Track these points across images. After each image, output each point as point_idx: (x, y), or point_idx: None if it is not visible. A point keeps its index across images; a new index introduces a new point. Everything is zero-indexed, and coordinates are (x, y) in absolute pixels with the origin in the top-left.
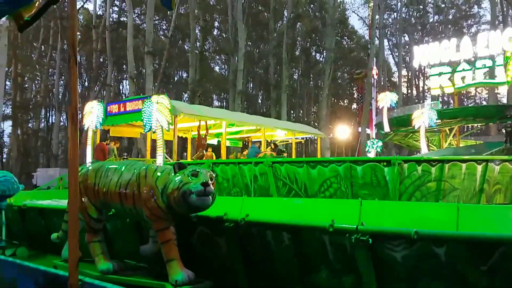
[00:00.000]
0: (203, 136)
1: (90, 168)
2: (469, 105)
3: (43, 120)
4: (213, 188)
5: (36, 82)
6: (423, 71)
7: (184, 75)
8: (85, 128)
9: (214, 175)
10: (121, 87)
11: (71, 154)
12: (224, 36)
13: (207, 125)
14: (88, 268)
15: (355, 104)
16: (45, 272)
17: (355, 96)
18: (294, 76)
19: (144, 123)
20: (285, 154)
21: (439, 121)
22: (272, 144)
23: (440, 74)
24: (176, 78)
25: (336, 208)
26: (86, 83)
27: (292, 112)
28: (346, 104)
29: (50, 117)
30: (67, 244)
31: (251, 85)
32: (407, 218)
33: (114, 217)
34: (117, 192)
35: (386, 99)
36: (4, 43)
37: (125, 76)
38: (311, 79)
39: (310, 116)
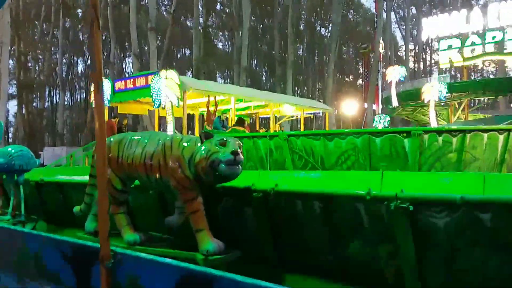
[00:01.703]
0: (212, 112)
1: (112, 140)
2: (478, 79)
3: (47, 99)
4: (242, 157)
5: (39, 61)
6: (430, 45)
7: (187, 52)
8: (93, 105)
9: (241, 144)
10: (123, 65)
11: (98, 123)
12: (227, 11)
13: (216, 101)
14: (112, 240)
15: (360, 79)
16: (73, 244)
17: (361, 71)
18: (299, 52)
19: (153, 99)
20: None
21: (449, 94)
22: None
23: (449, 47)
24: (179, 56)
25: (356, 179)
26: (88, 61)
27: (296, 88)
28: (352, 79)
29: (54, 96)
30: (90, 217)
31: (255, 62)
32: (431, 188)
33: (135, 189)
34: (142, 163)
35: (394, 73)
36: (7, 21)
37: (128, 54)
38: (316, 55)
39: (315, 92)
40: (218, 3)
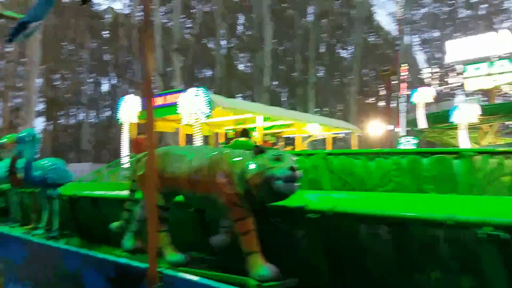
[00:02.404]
0: (238, 131)
1: (156, 152)
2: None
3: (73, 117)
4: (300, 173)
5: (65, 79)
6: (453, 68)
7: (207, 73)
8: (120, 122)
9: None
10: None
11: (149, 133)
12: (247, 33)
13: (244, 120)
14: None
15: (381, 102)
16: (116, 263)
17: (381, 93)
18: (318, 74)
19: (182, 116)
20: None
21: (482, 117)
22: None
23: (475, 69)
24: (199, 76)
25: (404, 202)
26: (112, 81)
27: (317, 109)
28: (373, 101)
29: (80, 114)
30: (128, 234)
31: (275, 83)
32: (498, 213)
33: (174, 206)
34: (188, 178)
35: (422, 95)
36: (38, 39)
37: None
38: (337, 76)
39: (335, 113)
40: (239, 25)
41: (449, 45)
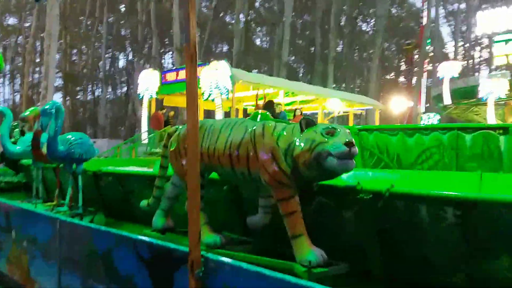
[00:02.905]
0: (261, 106)
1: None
2: None
3: (90, 92)
4: (357, 149)
5: (83, 55)
6: (479, 42)
7: (224, 48)
8: (140, 97)
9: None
10: (162, 61)
11: (190, 103)
12: (266, 6)
13: (264, 94)
14: (181, 239)
15: (402, 77)
16: (152, 245)
17: (402, 68)
18: (337, 48)
19: (203, 91)
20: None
21: (510, 92)
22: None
23: (506, 41)
24: (216, 51)
25: (447, 181)
26: (130, 56)
27: (334, 85)
28: (393, 77)
29: (97, 89)
30: (158, 212)
31: (292, 58)
32: None
33: (207, 184)
34: (226, 153)
35: (447, 70)
36: (56, 13)
37: (167, 49)
38: (356, 50)
39: (354, 89)
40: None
41: (479, 16)
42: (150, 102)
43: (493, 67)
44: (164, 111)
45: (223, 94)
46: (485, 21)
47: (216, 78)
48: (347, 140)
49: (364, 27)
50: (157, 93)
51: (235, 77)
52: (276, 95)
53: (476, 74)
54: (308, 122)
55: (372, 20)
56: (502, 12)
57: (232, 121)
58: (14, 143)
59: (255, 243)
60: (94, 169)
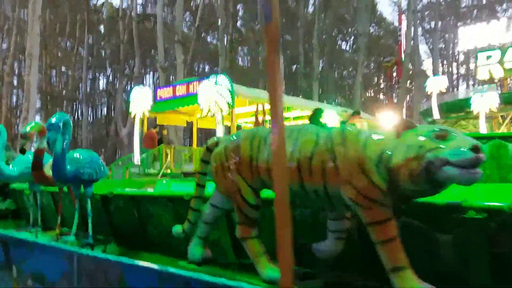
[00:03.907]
0: (261, 122)
1: (241, 135)
2: None
3: (70, 114)
4: (484, 155)
5: (62, 75)
6: (456, 57)
7: (207, 67)
8: (132, 115)
9: None
10: (144, 81)
11: (274, 101)
12: (248, 25)
13: (264, 109)
14: (227, 272)
15: (381, 94)
16: (213, 284)
17: (382, 86)
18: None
19: (201, 106)
20: None
21: (501, 105)
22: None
23: (488, 57)
24: (199, 71)
25: (489, 194)
26: (111, 77)
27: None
28: (372, 94)
29: (77, 111)
30: (195, 240)
31: None
32: None
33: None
34: (294, 166)
35: (435, 85)
36: (37, 32)
37: (148, 70)
38: (340, 68)
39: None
40: (242, 18)
41: (461, 32)
42: (142, 120)
43: (470, 82)
44: (157, 129)
45: (224, 109)
46: (466, 37)
47: (216, 93)
48: (472, 144)
49: (343, 45)
50: (150, 111)
51: (235, 93)
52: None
53: (455, 90)
54: (407, 124)
55: (351, 39)
56: (483, 28)
57: (295, 128)
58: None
59: (329, 276)
60: (103, 192)
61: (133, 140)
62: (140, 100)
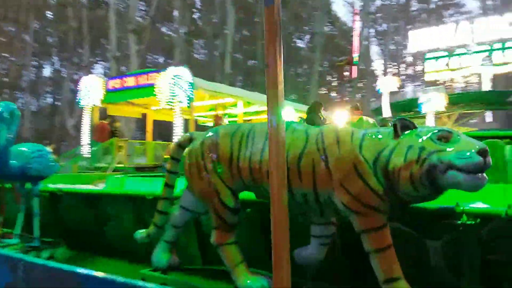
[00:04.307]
0: (221, 116)
1: (220, 131)
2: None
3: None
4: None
5: (4, 62)
6: (405, 59)
7: (160, 59)
8: (82, 106)
9: None
10: (93, 70)
11: (271, 94)
12: (205, 18)
13: (225, 104)
14: (205, 283)
15: (333, 92)
16: None
17: (334, 84)
18: None
19: (159, 99)
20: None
21: (447, 106)
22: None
23: (437, 58)
24: (152, 62)
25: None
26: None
27: None
28: (325, 92)
29: (19, 99)
30: (161, 245)
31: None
32: None
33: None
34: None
35: (386, 84)
36: None
37: (97, 59)
38: (295, 65)
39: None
40: (199, 11)
41: (411, 35)
42: (92, 111)
43: (418, 82)
44: (109, 120)
45: (183, 102)
46: (416, 40)
47: (175, 85)
48: (479, 147)
49: (300, 43)
50: (101, 101)
51: (195, 85)
52: (234, 105)
53: (403, 90)
54: (405, 124)
55: (306, 37)
56: (433, 31)
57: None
58: None
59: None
60: (51, 189)
61: (82, 132)
62: (91, 90)
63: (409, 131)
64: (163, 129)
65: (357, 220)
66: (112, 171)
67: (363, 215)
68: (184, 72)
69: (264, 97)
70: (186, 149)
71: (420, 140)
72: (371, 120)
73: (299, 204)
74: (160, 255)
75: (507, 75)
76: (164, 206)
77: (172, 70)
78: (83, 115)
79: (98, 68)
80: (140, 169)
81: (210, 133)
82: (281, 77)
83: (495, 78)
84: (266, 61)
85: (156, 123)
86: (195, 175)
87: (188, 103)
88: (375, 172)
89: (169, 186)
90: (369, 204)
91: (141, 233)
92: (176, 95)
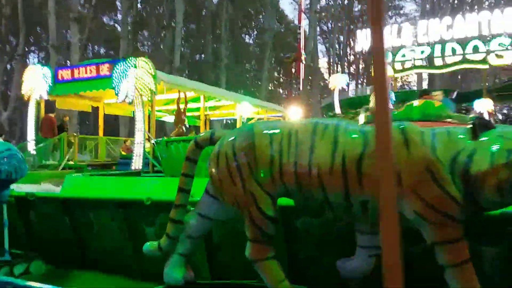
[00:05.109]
0: (183, 110)
1: (255, 130)
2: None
3: None
4: None
5: None
6: (348, 58)
7: (102, 50)
8: (26, 98)
9: None
10: (27, 61)
11: (379, 89)
12: (150, 9)
13: (186, 98)
14: None
15: (280, 89)
16: None
17: (282, 80)
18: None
19: (117, 91)
20: None
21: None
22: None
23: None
24: (93, 53)
25: None
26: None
27: None
28: (272, 88)
29: None
30: (175, 258)
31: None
32: None
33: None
34: (337, 171)
35: (337, 81)
36: None
37: (33, 48)
38: (243, 61)
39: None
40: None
41: (359, 34)
42: (38, 104)
43: (360, 80)
44: (54, 114)
45: (144, 95)
46: (360, 39)
47: (135, 77)
48: None
49: (247, 39)
50: (48, 92)
51: (158, 78)
52: (197, 99)
53: (348, 87)
54: (485, 123)
55: (254, 33)
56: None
57: (323, 123)
58: None
59: None
60: (19, 193)
61: (29, 126)
62: (36, 81)
63: (487, 131)
64: (111, 126)
65: (431, 231)
66: (61, 169)
67: (439, 225)
68: (145, 64)
69: (224, 91)
70: (213, 151)
71: (507, 141)
72: None
73: (354, 213)
74: (175, 270)
75: (450, 76)
76: (179, 215)
77: (131, 61)
78: (28, 108)
79: (34, 58)
80: (93, 166)
81: (242, 132)
82: (387, 73)
83: (438, 78)
84: (372, 51)
85: (116, 117)
86: (226, 180)
87: (149, 97)
88: (454, 178)
89: (184, 191)
90: (446, 213)
91: (151, 246)
92: (138, 88)
